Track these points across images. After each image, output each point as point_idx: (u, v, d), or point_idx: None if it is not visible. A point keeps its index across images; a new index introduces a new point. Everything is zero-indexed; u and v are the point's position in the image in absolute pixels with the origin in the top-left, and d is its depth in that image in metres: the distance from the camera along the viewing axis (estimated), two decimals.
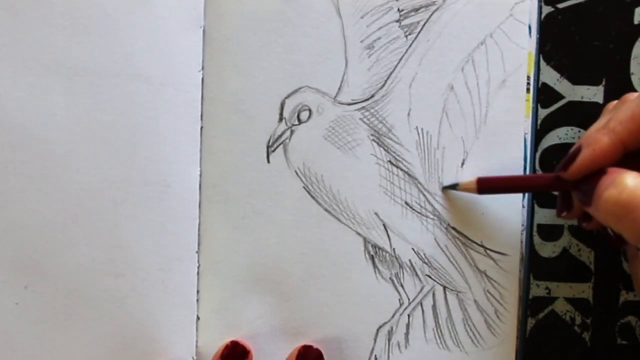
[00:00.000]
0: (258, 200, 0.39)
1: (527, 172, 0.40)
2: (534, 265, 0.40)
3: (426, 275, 0.40)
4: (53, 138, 0.37)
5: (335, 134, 0.39)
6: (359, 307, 0.39)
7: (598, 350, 0.41)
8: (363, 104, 0.39)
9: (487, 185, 0.38)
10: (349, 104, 0.39)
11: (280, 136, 0.39)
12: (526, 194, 0.40)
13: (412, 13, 0.39)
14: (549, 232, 0.41)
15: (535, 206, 0.41)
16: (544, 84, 0.41)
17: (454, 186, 0.39)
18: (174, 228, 0.38)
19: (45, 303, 0.37)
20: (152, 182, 0.38)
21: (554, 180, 0.36)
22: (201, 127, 0.38)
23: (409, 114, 0.39)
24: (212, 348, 0.38)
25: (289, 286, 0.39)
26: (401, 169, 0.39)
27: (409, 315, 0.40)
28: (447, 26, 0.39)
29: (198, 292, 0.38)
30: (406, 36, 0.39)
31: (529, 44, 0.40)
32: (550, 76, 0.41)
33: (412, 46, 0.39)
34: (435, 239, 0.39)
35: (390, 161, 0.39)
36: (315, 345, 0.38)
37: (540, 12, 0.40)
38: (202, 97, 0.38)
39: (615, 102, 0.38)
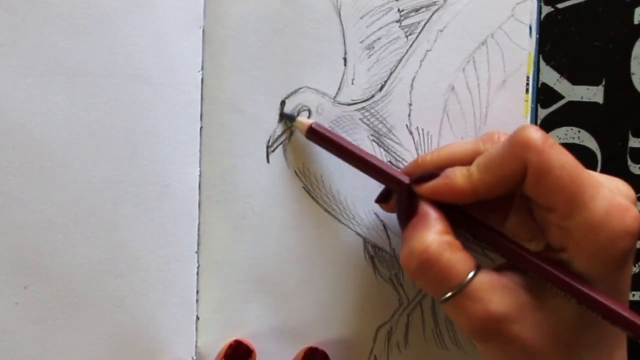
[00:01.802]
0: (258, 200, 0.39)
1: None
2: None
3: None
4: (53, 138, 0.37)
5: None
6: (358, 307, 0.39)
7: None
8: (363, 105, 0.39)
9: (317, 136, 0.37)
10: (349, 105, 0.39)
11: (280, 136, 0.38)
12: None
13: (413, 13, 0.39)
14: None
15: None
16: (544, 84, 0.41)
17: (291, 117, 0.38)
18: (173, 228, 0.38)
19: (45, 303, 0.37)
20: (151, 182, 0.38)
21: (395, 181, 0.36)
22: (201, 127, 0.38)
23: (409, 115, 0.39)
24: (212, 348, 0.38)
25: (288, 286, 0.39)
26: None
27: (408, 315, 0.40)
28: (448, 26, 0.39)
29: (198, 292, 0.38)
30: (406, 36, 0.39)
31: (529, 44, 0.40)
32: (550, 76, 0.42)
33: (412, 46, 0.39)
34: None
35: (390, 162, 0.39)
36: (321, 347, 0.38)
37: (540, 12, 0.40)
38: (201, 97, 0.38)
39: (492, 132, 0.37)
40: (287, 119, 0.38)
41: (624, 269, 0.32)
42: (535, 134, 0.31)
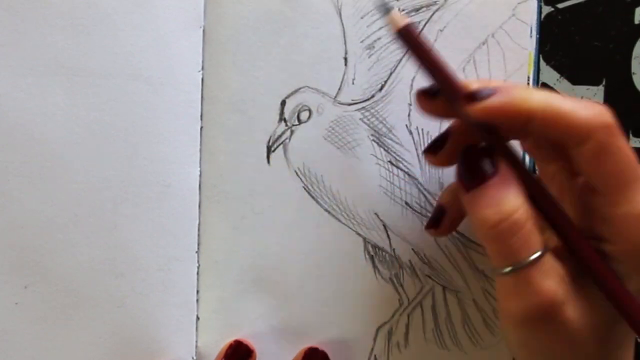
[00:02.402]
0: (258, 200, 0.39)
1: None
2: None
3: (426, 275, 0.40)
4: (53, 138, 0.37)
5: (335, 134, 0.39)
6: (358, 307, 0.39)
7: None
8: (363, 104, 0.39)
9: (407, 38, 0.32)
10: (349, 104, 0.39)
11: (280, 136, 0.38)
12: None
13: (413, 13, 0.39)
14: None
15: None
16: (544, 84, 0.41)
17: (387, 9, 0.32)
18: (173, 228, 0.38)
19: (45, 303, 0.37)
20: (151, 182, 0.38)
21: (487, 149, 0.32)
22: (201, 127, 0.38)
23: (409, 115, 0.39)
24: (212, 348, 0.38)
25: (288, 286, 0.39)
26: (401, 170, 0.39)
27: (408, 315, 0.40)
28: (448, 26, 0.39)
29: (198, 292, 0.38)
30: None
31: (530, 43, 0.40)
32: (550, 76, 0.41)
33: None
34: (434, 239, 0.39)
35: (390, 161, 0.39)
36: (321, 348, 0.38)
37: (540, 12, 0.40)
38: (201, 97, 0.38)
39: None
40: (383, 10, 0.33)
41: None
42: (613, 117, 0.31)
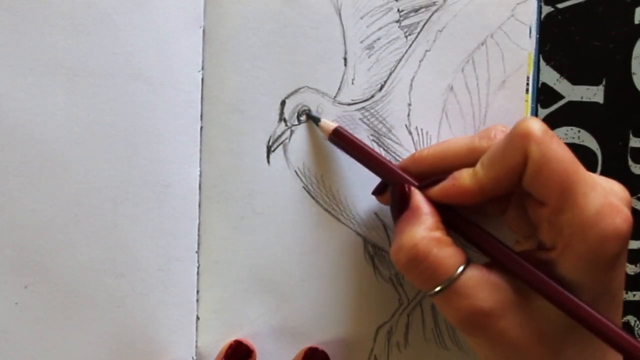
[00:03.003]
0: (258, 200, 0.39)
1: None
2: None
3: None
4: (53, 138, 0.37)
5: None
6: (358, 307, 0.39)
7: None
8: (363, 104, 0.39)
9: (340, 139, 0.37)
10: (349, 104, 0.39)
11: (280, 136, 0.39)
12: None
13: (412, 14, 0.39)
14: None
15: None
16: (544, 84, 0.41)
17: (316, 120, 0.38)
18: (173, 228, 0.38)
19: (45, 303, 0.37)
20: (151, 182, 0.38)
21: (401, 185, 0.36)
22: (201, 127, 0.38)
23: (408, 115, 0.39)
24: (212, 348, 0.38)
25: (288, 286, 0.39)
26: None
27: (408, 315, 0.40)
28: (447, 27, 0.39)
29: (198, 292, 0.38)
30: (406, 37, 0.39)
31: (529, 44, 0.40)
32: (550, 76, 0.42)
33: (412, 47, 0.39)
34: None
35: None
36: (321, 347, 0.38)
37: (540, 12, 0.40)
38: (201, 97, 0.38)
39: (489, 128, 0.37)
40: (312, 120, 0.38)
41: (614, 271, 0.32)
42: (536, 124, 0.31)
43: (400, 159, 0.39)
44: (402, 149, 0.39)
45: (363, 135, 0.39)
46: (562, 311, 0.31)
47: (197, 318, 0.38)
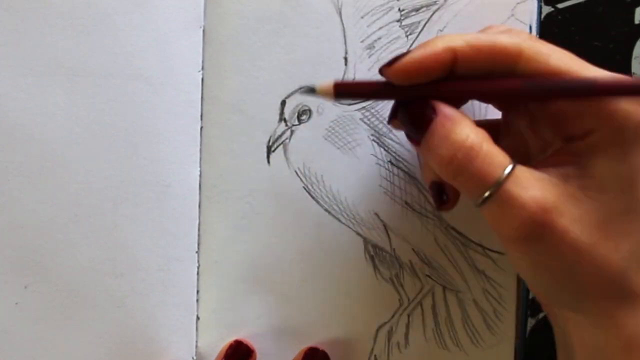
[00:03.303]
0: (258, 200, 0.39)
1: None
2: None
3: (426, 275, 0.40)
4: (53, 138, 0.37)
5: (335, 134, 0.39)
6: (359, 307, 0.39)
7: None
8: (363, 104, 0.39)
9: (345, 90, 0.33)
10: (349, 104, 0.39)
11: (280, 136, 0.38)
12: None
13: (413, 13, 0.39)
14: None
15: None
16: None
17: (311, 90, 0.34)
18: (173, 228, 0.38)
19: (45, 303, 0.37)
20: (151, 182, 0.38)
21: (385, 85, 0.32)
22: (201, 127, 0.38)
23: None
24: (212, 348, 0.38)
25: (288, 286, 0.39)
26: (401, 169, 0.39)
27: (408, 315, 0.40)
28: (448, 26, 0.39)
29: (198, 292, 0.38)
30: (407, 36, 0.39)
31: None
32: None
33: (412, 46, 0.39)
34: (435, 239, 0.39)
35: (390, 161, 0.39)
36: (321, 347, 0.38)
37: (540, 12, 0.40)
38: (202, 97, 0.38)
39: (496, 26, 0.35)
40: (306, 93, 0.34)
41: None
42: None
43: (400, 159, 0.39)
44: (402, 149, 0.39)
45: (363, 135, 0.39)
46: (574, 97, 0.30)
47: (197, 318, 0.38)
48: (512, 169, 0.30)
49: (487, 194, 0.30)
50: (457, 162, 0.30)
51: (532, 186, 0.30)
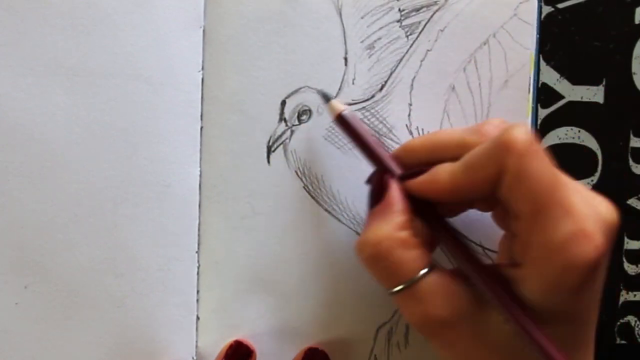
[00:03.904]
0: (258, 201, 0.39)
1: None
2: None
3: None
4: (53, 138, 0.37)
5: (336, 134, 0.39)
6: (359, 307, 0.39)
7: (597, 350, 0.41)
8: (363, 104, 0.39)
9: (344, 124, 0.36)
10: (349, 105, 0.39)
11: (280, 136, 0.38)
12: None
13: (413, 13, 0.39)
14: None
15: None
16: (544, 84, 0.41)
17: (326, 98, 0.37)
18: (173, 228, 0.38)
19: (45, 303, 0.37)
20: (151, 182, 0.38)
21: (380, 174, 0.35)
22: (201, 127, 0.38)
23: (409, 115, 0.39)
24: (212, 348, 0.38)
25: (289, 286, 0.39)
26: None
27: None
28: (449, 26, 0.39)
29: (198, 292, 0.38)
30: (407, 36, 0.39)
31: (532, 43, 0.40)
32: (550, 76, 0.42)
33: (413, 46, 0.39)
34: None
35: None
36: (321, 348, 0.38)
37: (540, 12, 0.40)
38: (202, 97, 0.38)
39: (482, 123, 0.36)
40: (322, 95, 0.37)
41: (582, 296, 0.31)
42: (521, 136, 0.30)
43: None
44: None
45: None
46: (514, 325, 0.31)
47: (197, 318, 0.38)
48: (419, 278, 0.32)
49: (395, 289, 0.33)
50: (364, 257, 0.33)
51: (428, 300, 0.32)
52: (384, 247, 0.32)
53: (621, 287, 0.41)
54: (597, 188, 0.43)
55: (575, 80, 0.42)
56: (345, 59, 0.39)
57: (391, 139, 0.39)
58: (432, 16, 0.39)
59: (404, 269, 0.32)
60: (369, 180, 0.37)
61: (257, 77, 0.38)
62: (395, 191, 0.34)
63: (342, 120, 0.36)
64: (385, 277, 0.33)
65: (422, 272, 0.32)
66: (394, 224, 0.33)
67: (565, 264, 0.29)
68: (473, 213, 0.38)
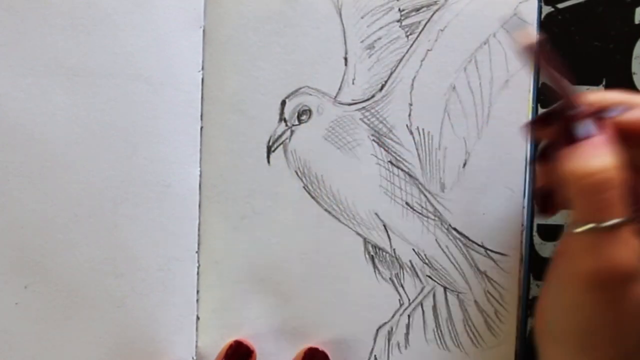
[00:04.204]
0: (258, 201, 0.39)
1: (529, 173, 0.40)
2: (534, 266, 0.40)
3: (427, 275, 0.40)
4: (53, 138, 0.37)
5: (336, 134, 0.39)
6: (359, 308, 0.39)
7: None
8: (363, 104, 0.39)
9: (544, 57, 0.33)
10: (349, 104, 0.39)
11: (280, 136, 0.38)
12: (526, 196, 0.40)
13: (413, 13, 0.39)
14: (549, 232, 0.41)
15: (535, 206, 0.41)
16: (544, 84, 0.41)
17: (518, 24, 0.35)
18: (173, 228, 0.38)
19: (45, 303, 0.37)
20: (151, 182, 0.38)
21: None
22: (201, 127, 0.38)
23: (409, 115, 0.39)
24: (212, 348, 0.38)
25: (289, 286, 0.39)
26: (402, 170, 0.39)
27: (409, 316, 0.40)
28: (449, 26, 0.39)
29: (198, 292, 0.38)
30: (407, 36, 0.39)
31: None
32: None
33: (413, 46, 0.39)
34: (436, 240, 0.39)
35: (390, 161, 0.39)
36: (321, 348, 0.38)
37: (540, 12, 0.40)
38: (202, 97, 0.38)
39: None
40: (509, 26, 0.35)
41: None
42: None
43: (400, 159, 0.39)
44: (402, 149, 0.39)
45: (363, 135, 0.39)
46: None
47: (197, 318, 0.38)
48: (624, 223, 0.30)
49: (588, 227, 0.30)
50: (586, 184, 0.30)
51: (628, 248, 0.30)
52: (615, 176, 0.30)
53: None
54: None
55: (575, 80, 0.42)
56: (345, 58, 0.39)
57: (391, 139, 0.39)
58: (432, 16, 0.39)
59: (616, 209, 0.30)
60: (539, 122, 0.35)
61: (257, 77, 0.38)
62: (610, 128, 0.32)
63: (532, 52, 0.33)
64: (601, 208, 0.30)
65: (623, 219, 0.30)
66: (617, 158, 0.30)
67: None
68: (473, 213, 0.39)
